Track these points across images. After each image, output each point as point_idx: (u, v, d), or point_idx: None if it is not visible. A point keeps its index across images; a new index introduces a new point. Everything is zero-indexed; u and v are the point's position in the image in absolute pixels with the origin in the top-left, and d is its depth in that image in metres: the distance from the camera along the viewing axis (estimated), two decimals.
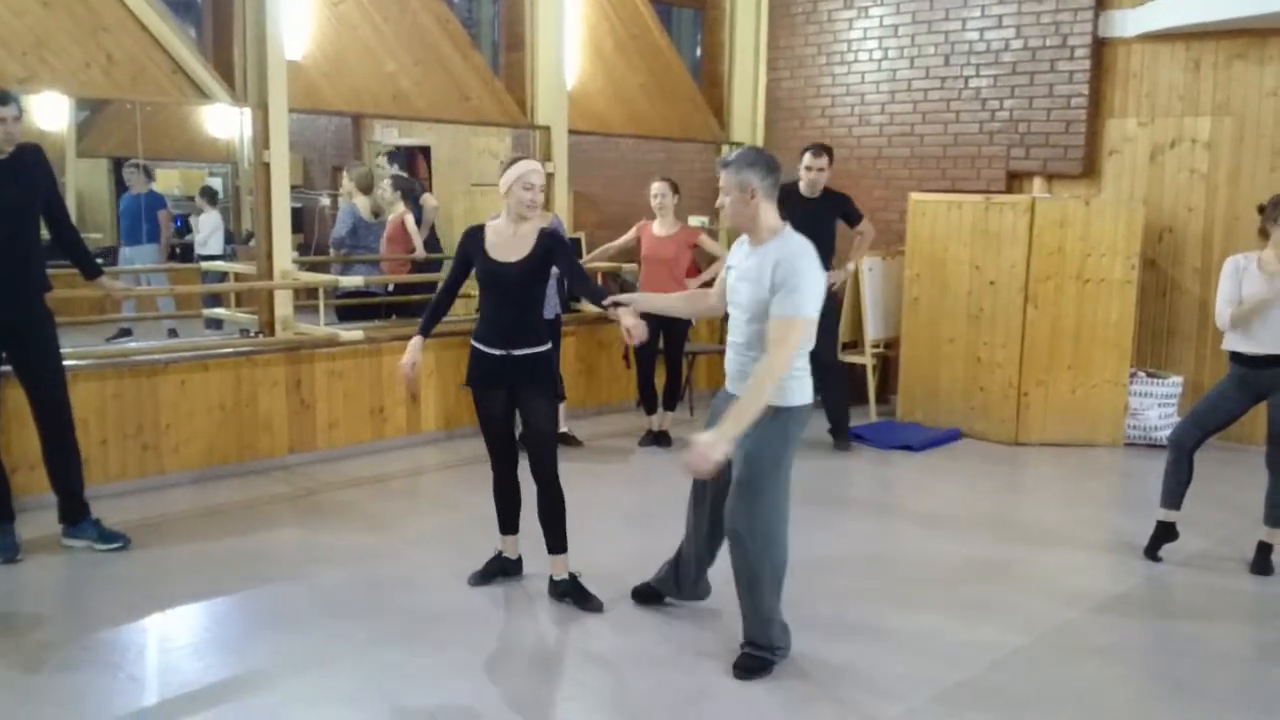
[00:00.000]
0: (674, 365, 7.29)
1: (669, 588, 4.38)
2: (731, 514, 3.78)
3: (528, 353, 4.33)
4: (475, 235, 4.37)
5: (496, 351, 4.34)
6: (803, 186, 6.95)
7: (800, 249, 3.67)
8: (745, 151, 3.79)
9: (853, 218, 7.10)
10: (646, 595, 4.43)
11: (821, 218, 6.86)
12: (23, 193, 4.70)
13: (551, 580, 4.47)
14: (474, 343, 4.43)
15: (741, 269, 3.80)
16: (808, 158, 6.91)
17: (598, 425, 7.76)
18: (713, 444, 3.45)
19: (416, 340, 4.45)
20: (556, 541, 4.43)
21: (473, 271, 4.39)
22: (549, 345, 4.40)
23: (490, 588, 4.60)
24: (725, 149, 9.56)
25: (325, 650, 3.97)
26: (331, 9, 6.79)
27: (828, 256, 6.96)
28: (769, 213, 3.74)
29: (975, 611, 4.47)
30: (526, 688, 3.76)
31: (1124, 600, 4.65)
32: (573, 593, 4.42)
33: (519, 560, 4.74)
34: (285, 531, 5.38)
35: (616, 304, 4.06)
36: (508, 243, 4.31)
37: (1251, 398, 4.95)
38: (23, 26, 5.51)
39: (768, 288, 3.61)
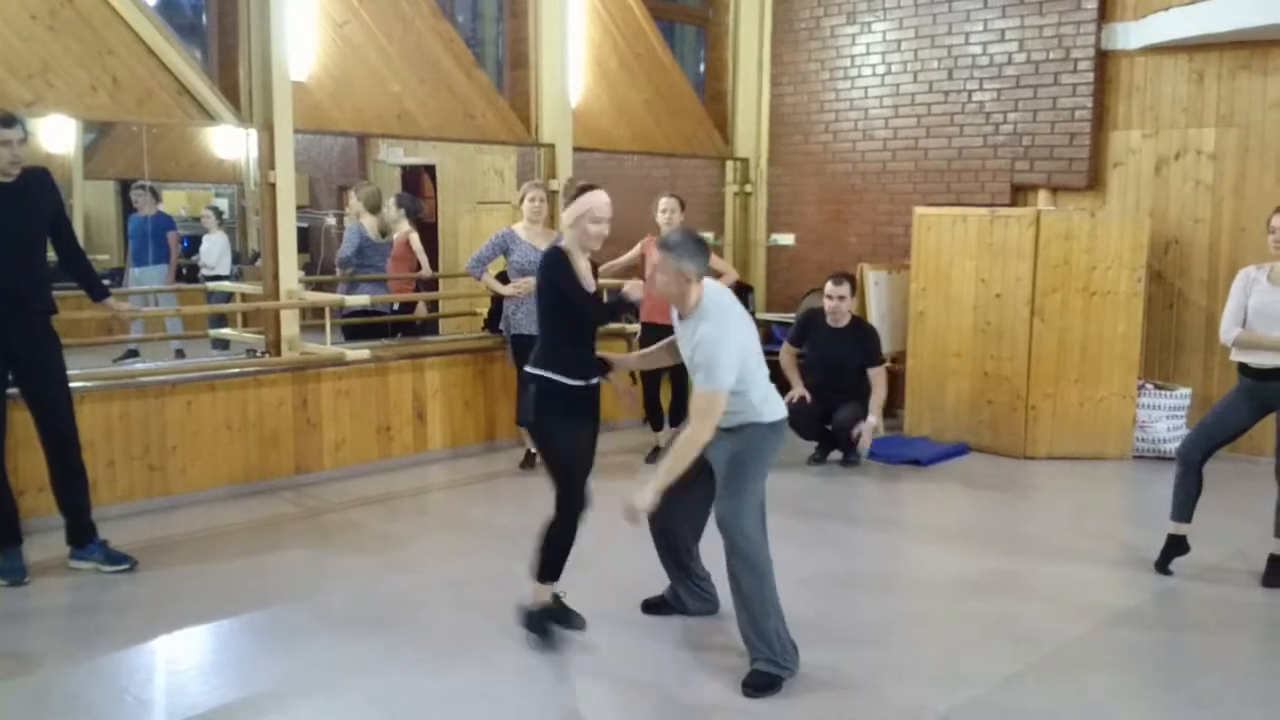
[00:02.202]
0: (680, 381, 7.28)
1: (679, 605, 4.47)
2: (722, 518, 3.91)
3: (598, 381, 4.21)
4: (567, 262, 4.06)
5: (588, 384, 4.11)
6: (828, 316, 6.98)
7: (712, 328, 3.83)
8: (684, 241, 3.91)
9: (871, 359, 6.97)
10: (656, 606, 4.51)
11: (846, 349, 6.93)
12: (29, 216, 4.72)
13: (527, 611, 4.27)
14: (555, 376, 4.05)
15: (676, 332, 4.09)
16: (829, 286, 6.94)
17: (605, 442, 7.67)
18: (640, 496, 3.80)
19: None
20: (551, 571, 4.20)
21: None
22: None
23: (501, 604, 4.55)
24: (729, 166, 9.58)
25: (333, 672, 3.95)
26: (336, 30, 6.82)
27: (856, 388, 6.97)
28: (696, 290, 3.93)
29: (985, 626, 4.44)
30: (536, 709, 3.74)
31: (1135, 614, 4.63)
32: (552, 615, 4.23)
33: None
34: (292, 552, 5.37)
35: (606, 367, 4.24)
36: (584, 272, 4.12)
37: (1260, 410, 4.93)
38: (29, 50, 5.54)
39: (691, 360, 3.88)
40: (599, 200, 4.11)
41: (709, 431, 3.81)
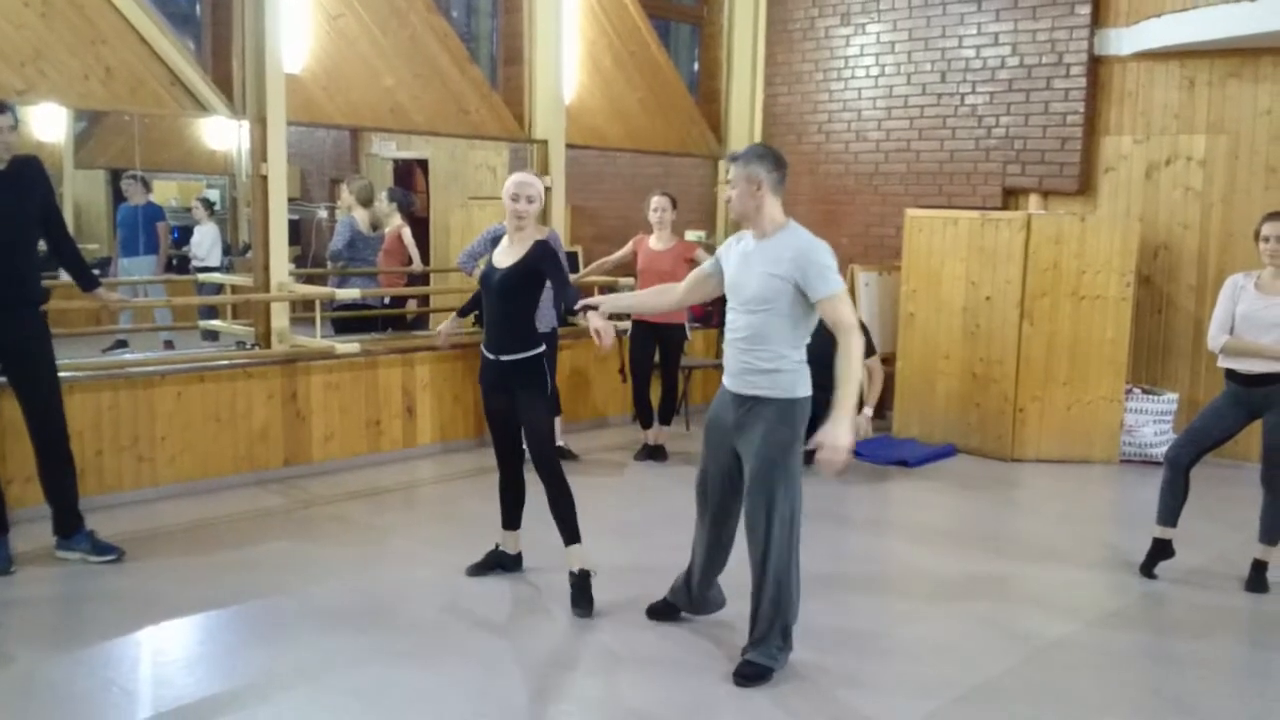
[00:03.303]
0: (670, 379, 7.30)
1: (682, 599, 4.36)
2: (752, 511, 3.83)
3: (515, 358, 4.45)
4: (496, 239, 4.65)
5: (490, 356, 4.54)
6: None
7: (810, 241, 3.81)
8: (754, 146, 3.94)
9: (865, 351, 6.92)
10: (661, 612, 4.41)
11: (832, 343, 6.79)
12: (19, 204, 4.70)
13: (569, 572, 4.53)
14: (481, 346, 4.61)
15: (746, 262, 3.86)
16: None
17: (594, 439, 7.76)
18: (836, 434, 3.53)
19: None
20: (568, 534, 4.52)
21: None
22: (540, 349, 4.48)
23: (488, 598, 4.59)
24: (723, 165, 9.59)
25: (319, 665, 3.95)
26: (330, 23, 6.81)
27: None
28: (774, 206, 3.85)
29: (971, 627, 4.47)
30: (523, 702, 3.75)
31: (1119, 616, 4.65)
32: (574, 588, 4.48)
33: (519, 556, 4.89)
34: (280, 544, 5.37)
35: (587, 307, 4.13)
36: (505, 251, 4.49)
37: (1246, 415, 4.96)
38: (21, 38, 5.52)
39: (786, 277, 3.71)
40: (518, 179, 4.48)
41: (859, 336, 3.72)
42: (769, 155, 3.83)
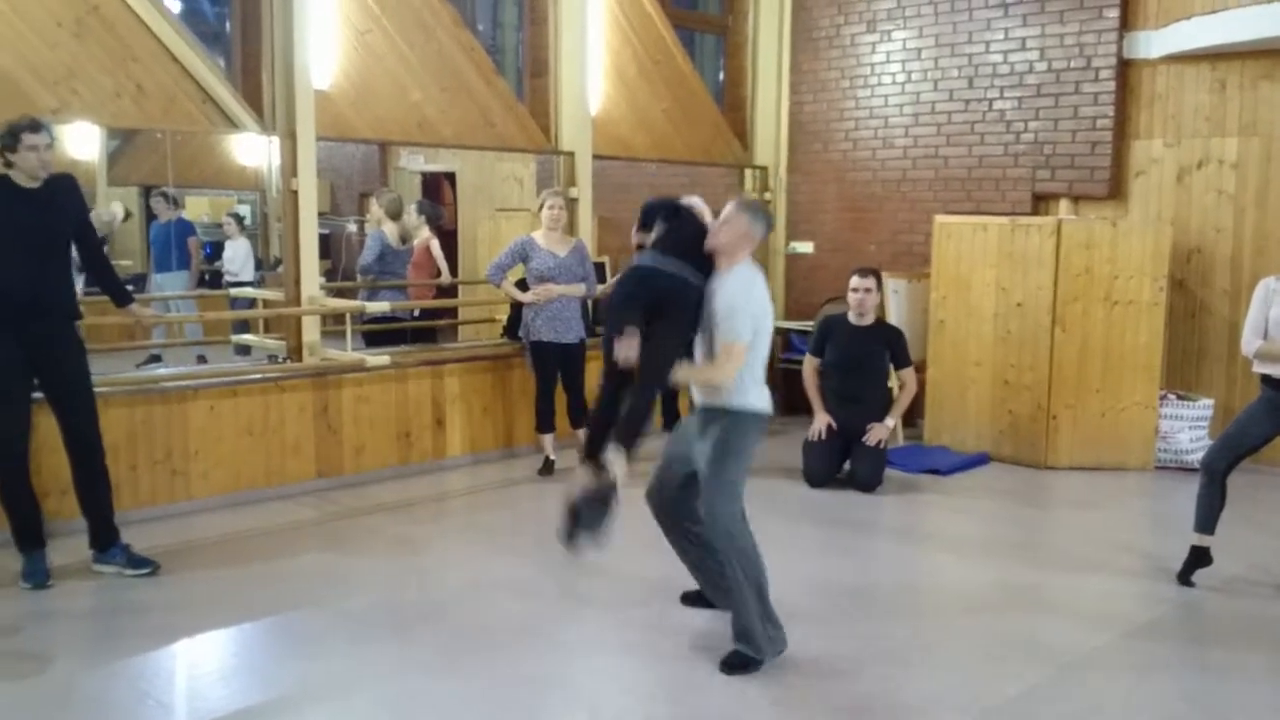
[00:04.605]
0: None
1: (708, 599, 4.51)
2: (709, 506, 4.04)
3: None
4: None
5: None
6: (850, 313, 6.86)
7: (740, 284, 4.04)
8: (759, 209, 4.23)
9: (900, 360, 6.89)
10: (695, 599, 4.57)
11: (867, 347, 6.80)
12: (54, 222, 4.76)
13: None
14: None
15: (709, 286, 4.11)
16: (854, 279, 6.82)
17: None
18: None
19: None
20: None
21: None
22: None
23: (520, 610, 4.57)
24: (749, 174, 9.59)
25: (351, 677, 3.97)
26: (358, 38, 6.86)
27: (877, 395, 6.91)
28: (745, 256, 4.13)
29: (1004, 637, 4.42)
30: (552, 715, 3.75)
31: (1156, 626, 4.59)
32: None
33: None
34: (312, 557, 5.40)
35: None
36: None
37: None
38: (55, 58, 5.59)
39: (711, 312, 4.01)
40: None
41: (725, 376, 3.99)
42: (765, 222, 4.18)
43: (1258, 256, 7.24)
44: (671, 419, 7.30)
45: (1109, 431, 7.31)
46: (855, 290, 6.78)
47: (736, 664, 3.99)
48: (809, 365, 7.02)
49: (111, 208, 9.11)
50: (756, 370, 4.08)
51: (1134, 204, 7.76)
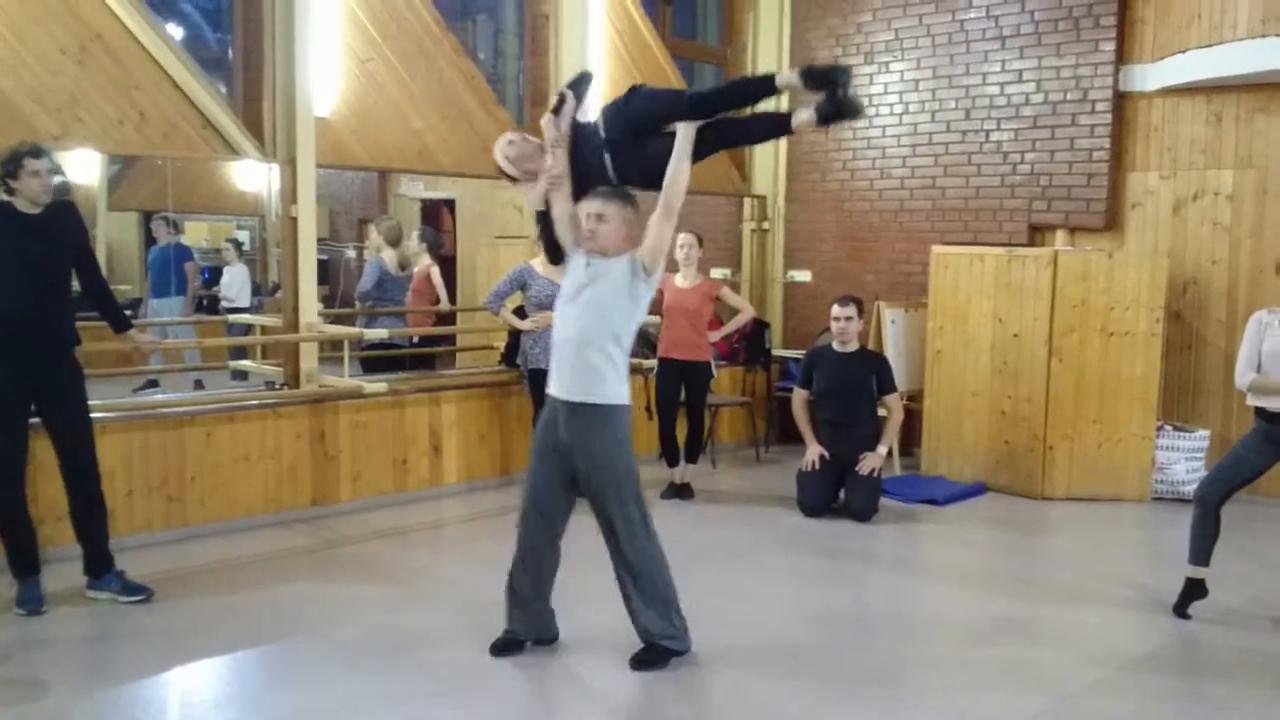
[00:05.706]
0: (695, 417, 7.28)
1: (530, 633, 4.51)
2: (627, 521, 4.22)
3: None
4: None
5: None
6: (834, 342, 6.91)
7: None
8: (630, 196, 4.56)
9: (885, 386, 6.92)
10: (506, 646, 4.50)
11: (855, 375, 6.82)
12: (54, 248, 4.78)
13: None
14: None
15: (586, 279, 4.29)
16: (835, 308, 6.88)
17: None
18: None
19: None
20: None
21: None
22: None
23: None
24: (747, 203, 9.62)
25: (346, 706, 3.95)
26: (359, 67, 6.91)
27: (868, 423, 6.90)
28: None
29: (999, 670, 4.41)
30: None
31: (1153, 659, 4.58)
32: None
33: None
34: (308, 585, 5.38)
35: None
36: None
37: (1276, 453, 4.90)
38: (57, 84, 5.63)
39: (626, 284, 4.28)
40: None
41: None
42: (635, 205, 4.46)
43: (1254, 288, 7.27)
44: (672, 452, 7.28)
45: (1105, 462, 7.31)
46: (837, 319, 6.85)
47: (648, 660, 4.24)
48: (798, 398, 7.05)
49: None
50: (627, 360, 4.39)
51: (1130, 236, 7.80)
